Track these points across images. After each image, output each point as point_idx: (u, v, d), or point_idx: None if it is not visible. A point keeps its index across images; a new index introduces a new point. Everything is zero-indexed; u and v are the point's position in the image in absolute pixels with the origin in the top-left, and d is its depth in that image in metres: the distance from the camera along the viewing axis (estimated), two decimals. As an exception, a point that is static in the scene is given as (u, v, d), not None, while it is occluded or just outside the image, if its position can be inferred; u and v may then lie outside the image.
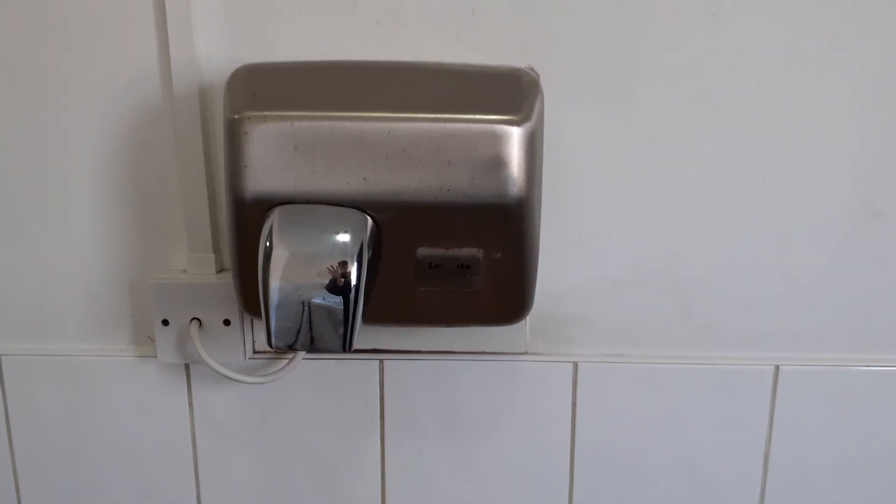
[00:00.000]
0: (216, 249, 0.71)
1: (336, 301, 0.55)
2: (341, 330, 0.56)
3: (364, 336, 0.72)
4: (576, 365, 0.71)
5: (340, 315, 0.55)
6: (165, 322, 0.71)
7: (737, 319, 0.70)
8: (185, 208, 0.69)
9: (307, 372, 0.73)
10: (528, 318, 0.70)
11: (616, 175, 0.67)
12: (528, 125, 0.55)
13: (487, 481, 0.75)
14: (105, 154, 0.69)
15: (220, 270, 0.71)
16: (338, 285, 0.55)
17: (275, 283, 0.55)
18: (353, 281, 0.55)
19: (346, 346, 0.56)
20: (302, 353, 0.71)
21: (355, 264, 0.55)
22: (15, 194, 0.71)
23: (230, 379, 0.71)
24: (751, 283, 0.69)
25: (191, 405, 0.75)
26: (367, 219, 0.56)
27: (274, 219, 0.55)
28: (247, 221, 0.57)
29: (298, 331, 0.56)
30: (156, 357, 0.73)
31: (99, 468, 0.77)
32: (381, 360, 0.72)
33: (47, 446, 0.77)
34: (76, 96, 0.68)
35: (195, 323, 0.70)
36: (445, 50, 0.64)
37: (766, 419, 0.72)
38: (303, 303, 0.55)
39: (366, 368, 0.73)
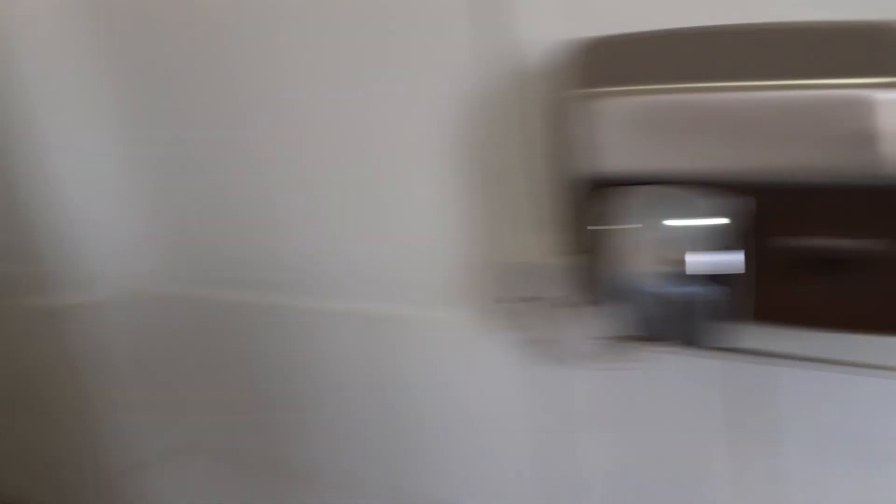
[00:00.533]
0: (557, 231, 0.69)
1: (705, 291, 0.50)
2: (706, 324, 0.51)
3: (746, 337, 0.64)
4: None
5: (708, 307, 0.50)
6: (518, 300, 0.72)
7: None
8: (527, 190, 0.69)
9: (669, 362, 0.68)
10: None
11: None
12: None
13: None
14: (456, 135, 0.71)
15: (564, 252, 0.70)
16: (706, 275, 0.50)
17: (639, 269, 0.52)
18: (724, 270, 0.50)
19: (711, 341, 0.52)
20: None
21: (727, 253, 0.49)
22: (372, 182, 0.77)
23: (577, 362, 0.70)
24: None
25: (534, 383, 0.75)
26: (745, 202, 0.50)
27: (640, 200, 0.52)
28: (600, 202, 0.55)
29: (660, 321, 0.53)
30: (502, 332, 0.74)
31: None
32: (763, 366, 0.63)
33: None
34: (413, 86, 0.71)
35: (545, 303, 0.70)
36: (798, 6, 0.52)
37: None
38: (666, 292, 0.51)
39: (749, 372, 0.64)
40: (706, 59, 0.51)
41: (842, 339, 0.58)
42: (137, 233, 0.95)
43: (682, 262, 0.49)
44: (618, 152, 0.52)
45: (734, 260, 0.48)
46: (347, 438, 0.89)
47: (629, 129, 0.51)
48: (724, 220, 0.49)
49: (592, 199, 0.55)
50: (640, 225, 0.51)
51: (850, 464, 0.63)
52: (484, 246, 0.74)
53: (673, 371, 0.67)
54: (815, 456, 0.64)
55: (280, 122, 0.80)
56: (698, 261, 0.49)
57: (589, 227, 0.56)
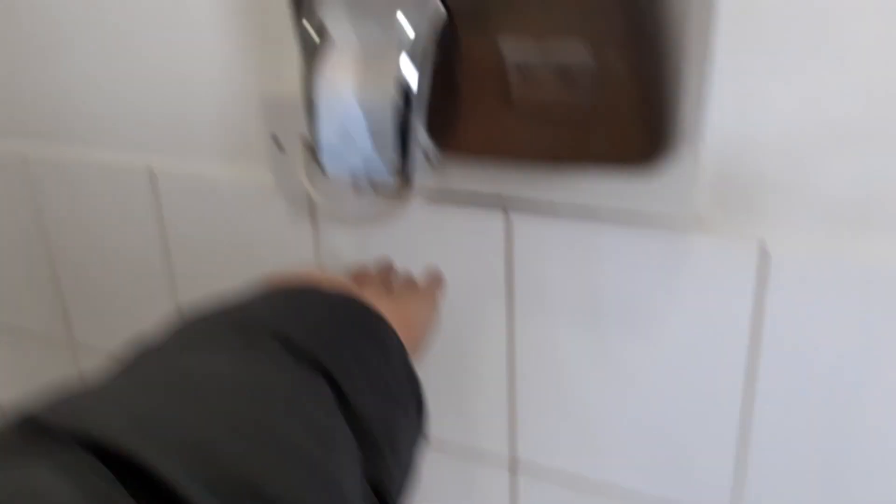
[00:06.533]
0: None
1: (387, 113, 0.41)
2: (394, 153, 0.42)
3: (484, 178, 0.57)
4: (767, 248, 0.50)
5: (392, 133, 0.41)
6: (279, 145, 0.63)
7: None
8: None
9: (426, 216, 0.61)
10: (701, 172, 0.50)
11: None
12: None
13: (634, 383, 0.58)
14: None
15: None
16: (388, 90, 0.41)
17: (319, 85, 0.43)
18: (413, 85, 0.40)
19: (403, 175, 0.43)
20: (412, 191, 0.59)
21: (410, 62, 0.40)
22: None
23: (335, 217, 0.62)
24: None
25: (317, 242, 0.68)
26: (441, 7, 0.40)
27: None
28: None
29: (347, 153, 0.44)
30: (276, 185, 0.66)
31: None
32: (505, 210, 0.57)
33: (199, 265, 0.77)
34: None
35: (305, 146, 0.62)
36: None
37: None
38: (349, 113, 0.42)
39: (489, 221, 0.58)
40: None
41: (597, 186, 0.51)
42: None
43: (371, 76, 0.40)
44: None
45: (424, 72, 0.39)
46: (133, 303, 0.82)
47: None
48: (412, 21, 0.39)
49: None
50: (328, 31, 0.41)
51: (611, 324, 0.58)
52: (258, 82, 0.65)
53: (435, 219, 0.61)
54: (587, 318, 0.58)
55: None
56: (388, 71, 0.40)
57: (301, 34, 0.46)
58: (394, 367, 0.41)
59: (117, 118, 0.75)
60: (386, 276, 0.59)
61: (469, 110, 0.44)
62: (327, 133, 0.43)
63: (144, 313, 0.83)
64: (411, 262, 0.64)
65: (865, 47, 0.43)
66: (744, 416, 0.55)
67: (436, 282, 0.60)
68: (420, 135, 0.42)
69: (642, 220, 0.53)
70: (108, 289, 0.84)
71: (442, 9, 0.40)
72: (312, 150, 0.47)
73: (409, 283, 0.59)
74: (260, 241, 0.71)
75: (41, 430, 0.28)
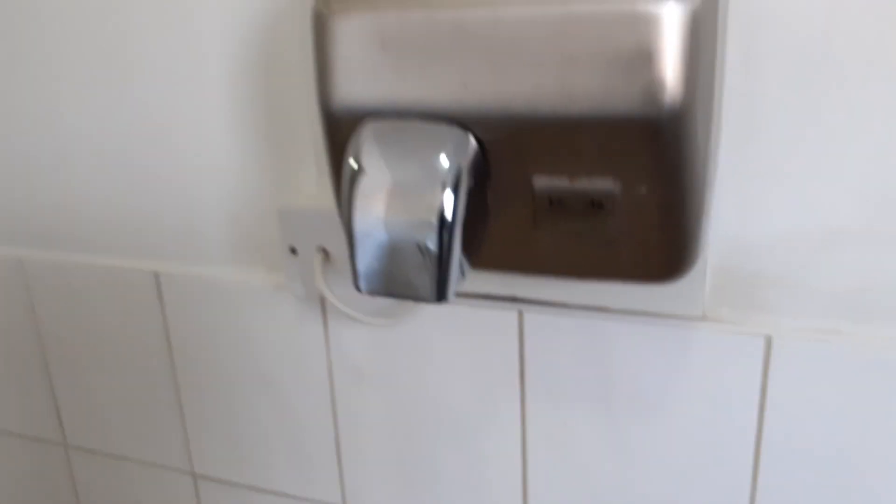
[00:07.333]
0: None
1: (428, 239, 0.44)
2: (434, 274, 0.45)
3: (500, 281, 0.61)
4: (769, 340, 0.54)
5: (433, 257, 0.44)
6: (293, 251, 0.66)
7: None
8: (311, 123, 0.62)
9: (439, 316, 0.64)
10: (708, 274, 0.54)
11: (843, 78, 0.47)
12: (690, 4, 0.39)
13: (644, 467, 0.61)
14: (238, 66, 0.64)
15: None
16: (429, 220, 0.44)
17: (359, 217, 0.45)
18: (448, 215, 0.43)
19: (440, 293, 0.45)
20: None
21: (451, 195, 0.43)
22: (156, 104, 0.69)
23: (351, 317, 0.64)
24: None
25: (326, 339, 0.70)
26: (468, 138, 0.44)
27: (359, 137, 0.46)
28: (337, 138, 0.48)
29: (387, 274, 0.46)
30: (288, 286, 0.68)
31: (246, 395, 0.76)
32: (520, 312, 0.61)
33: (200, 364, 0.77)
34: (207, 12, 0.63)
35: (320, 254, 0.64)
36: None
37: None
38: (390, 240, 0.45)
39: (503, 318, 0.62)
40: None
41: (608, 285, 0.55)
42: None
43: (410, 207, 0.43)
44: (352, 79, 0.45)
45: (458, 203, 0.42)
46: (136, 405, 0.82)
47: (362, 53, 0.44)
48: (450, 158, 0.42)
49: (338, 134, 0.48)
50: (368, 166, 0.44)
51: (621, 409, 0.61)
52: (271, 191, 0.67)
53: (447, 319, 0.64)
54: (598, 405, 0.61)
55: (43, 61, 0.71)
56: (428, 204, 0.43)
57: (331, 163, 0.49)
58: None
59: (123, 226, 0.76)
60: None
61: (498, 231, 0.47)
62: (365, 260, 0.46)
63: (141, 414, 0.82)
64: (422, 359, 0.66)
65: (853, 161, 0.48)
66: (751, 493, 0.58)
67: None
68: (455, 255, 0.45)
69: (651, 315, 0.56)
70: (103, 391, 0.84)
71: (475, 144, 0.44)
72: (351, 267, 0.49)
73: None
74: (268, 342, 0.73)
75: None
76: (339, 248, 0.64)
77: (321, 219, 0.63)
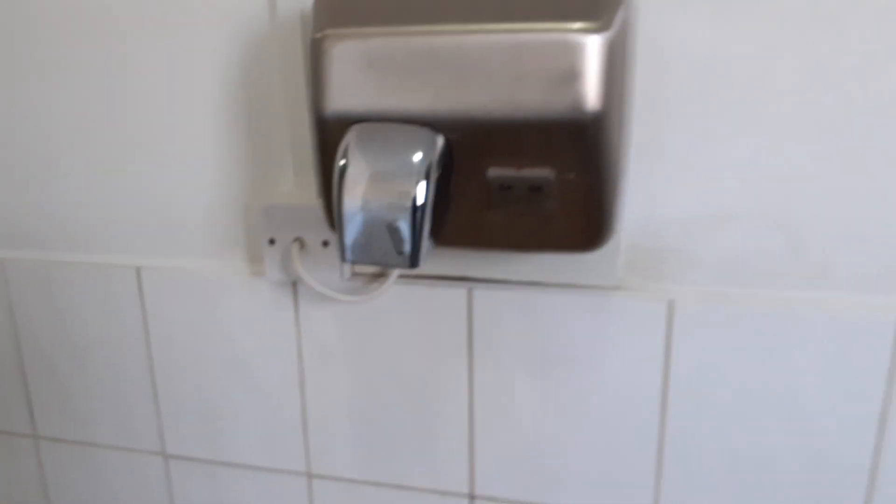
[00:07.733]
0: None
1: (404, 218, 0.55)
2: (408, 247, 0.56)
3: (452, 263, 0.72)
4: (672, 303, 0.67)
5: (407, 232, 0.56)
6: (272, 241, 0.75)
7: (857, 258, 0.63)
8: (290, 131, 0.73)
9: (400, 295, 0.75)
10: (622, 250, 0.67)
11: (726, 91, 0.61)
12: (608, 34, 0.52)
13: (575, 418, 0.73)
14: (221, 77, 0.74)
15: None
16: (405, 203, 0.55)
17: (347, 201, 0.56)
18: (420, 199, 0.55)
19: (413, 262, 0.57)
20: (395, 276, 0.73)
21: (423, 183, 0.55)
22: (146, 111, 0.78)
23: (328, 297, 0.74)
24: (876, 217, 0.62)
25: (297, 321, 0.79)
26: (437, 137, 0.56)
27: (348, 138, 0.57)
28: (328, 140, 0.59)
29: (369, 246, 0.57)
30: (266, 274, 0.77)
31: (219, 377, 0.84)
32: (469, 289, 0.72)
33: (176, 351, 0.85)
34: (195, 20, 0.73)
35: (297, 243, 0.74)
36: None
37: (885, 373, 0.64)
38: (373, 219, 0.56)
39: (454, 295, 0.73)
40: (422, 4, 0.56)
41: (543, 263, 0.68)
42: None
43: (389, 192, 0.54)
44: (344, 92, 0.57)
45: (429, 189, 0.54)
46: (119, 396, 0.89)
47: (353, 70, 0.56)
48: (423, 153, 0.54)
49: (325, 137, 0.59)
50: (355, 160, 0.55)
51: (555, 370, 0.73)
52: (249, 189, 0.77)
53: (408, 298, 0.75)
54: (536, 368, 0.73)
55: (29, 64, 0.79)
56: (405, 190, 0.54)
57: (322, 165, 0.60)
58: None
59: (106, 225, 0.83)
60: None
61: (458, 212, 0.59)
62: (352, 235, 0.57)
63: (115, 402, 0.89)
64: (383, 335, 0.77)
65: (736, 156, 0.63)
66: (660, 432, 0.71)
67: None
68: (426, 230, 0.56)
69: (577, 287, 0.69)
70: (77, 384, 0.90)
71: (443, 142, 0.56)
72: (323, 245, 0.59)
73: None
74: (242, 326, 0.82)
75: None
76: (313, 238, 0.74)
77: (298, 213, 0.73)
